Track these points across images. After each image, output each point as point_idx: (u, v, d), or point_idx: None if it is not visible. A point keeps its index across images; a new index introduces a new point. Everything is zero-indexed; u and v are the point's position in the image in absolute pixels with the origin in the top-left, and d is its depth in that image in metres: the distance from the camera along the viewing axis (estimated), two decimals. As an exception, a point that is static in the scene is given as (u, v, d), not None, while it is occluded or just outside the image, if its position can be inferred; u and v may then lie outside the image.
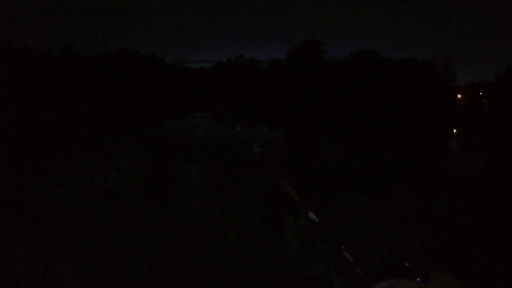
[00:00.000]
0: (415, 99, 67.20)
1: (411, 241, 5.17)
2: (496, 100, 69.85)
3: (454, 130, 37.06)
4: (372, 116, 46.31)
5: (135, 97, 70.21)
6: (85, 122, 28.82)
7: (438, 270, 1.61)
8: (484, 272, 5.74)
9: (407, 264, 1.67)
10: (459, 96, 78.63)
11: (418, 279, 1.52)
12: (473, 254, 6.23)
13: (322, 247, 4.59)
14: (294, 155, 18.28)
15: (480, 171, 16.16)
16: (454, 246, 6.16)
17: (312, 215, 2.25)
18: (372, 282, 1.71)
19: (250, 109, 51.19)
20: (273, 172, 2.54)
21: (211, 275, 4.58)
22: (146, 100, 63.77)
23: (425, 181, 12.59)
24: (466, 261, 5.91)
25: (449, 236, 6.44)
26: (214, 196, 6.01)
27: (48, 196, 5.58)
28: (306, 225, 4.86)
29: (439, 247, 5.52)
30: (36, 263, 4.34)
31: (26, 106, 35.81)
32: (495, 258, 6.25)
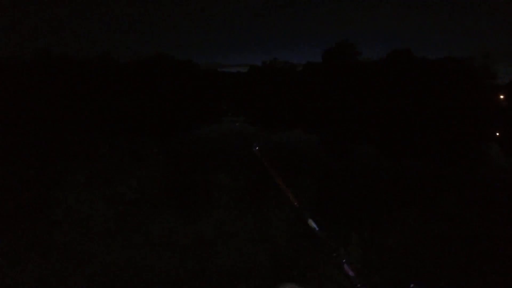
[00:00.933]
0: (453, 99, 65.14)
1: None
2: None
3: (497, 133, 35.35)
4: (408, 118, 45.21)
5: (170, 101, 70.83)
6: (116, 127, 29.03)
7: None
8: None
9: (412, 285, 1.67)
10: (500, 96, 74.72)
11: None
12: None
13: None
14: (329, 159, 17.71)
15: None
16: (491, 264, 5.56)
17: (312, 223, 2.20)
18: None
19: (286, 113, 50.87)
20: (273, 176, 2.39)
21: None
22: (181, 104, 64.20)
23: (464, 188, 11.78)
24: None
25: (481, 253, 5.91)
26: (247, 208, 5.63)
27: (63, 203, 5.35)
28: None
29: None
30: (47, 277, 4.07)
31: (57, 112, 36.42)
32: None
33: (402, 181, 12.53)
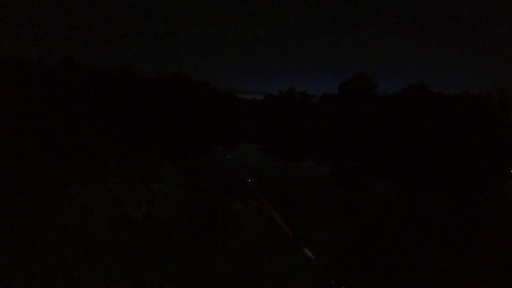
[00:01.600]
0: (470, 135, 64.39)
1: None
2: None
3: None
4: (423, 153, 44.69)
5: (186, 122, 71.20)
6: (130, 141, 28.83)
7: None
8: None
9: None
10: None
11: None
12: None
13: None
14: (342, 192, 17.47)
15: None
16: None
17: (307, 252, 2.59)
18: None
19: (300, 143, 50.54)
20: (267, 207, 2.88)
21: None
22: (197, 125, 64.41)
23: (479, 227, 11.77)
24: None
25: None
26: (269, 247, 5.03)
27: (63, 219, 4.77)
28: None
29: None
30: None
31: (72, 118, 36.28)
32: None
33: (420, 219, 12.24)
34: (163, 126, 55.65)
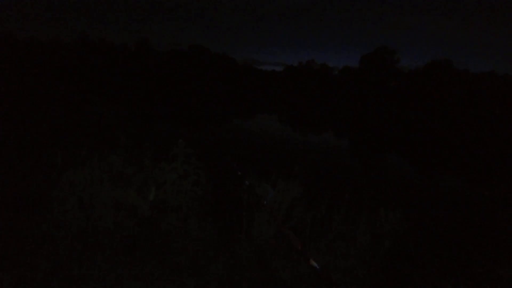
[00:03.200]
0: (492, 117, 62.88)
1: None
2: None
3: None
4: (443, 132, 43.77)
5: (204, 93, 70.84)
6: (145, 114, 28.48)
7: None
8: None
9: None
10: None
11: None
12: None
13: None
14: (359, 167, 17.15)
15: None
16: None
17: (314, 263, 2.24)
18: None
19: (318, 115, 49.89)
20: (278, 222, 2.60)
21: None
22: (213, 97, 63.96)
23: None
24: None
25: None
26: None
27: (59, 209, 4.17)
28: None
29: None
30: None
31: (87, 93, 36.00)
32: None
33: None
34: (180, 97, 55.30)
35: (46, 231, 3.91)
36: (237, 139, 20.17)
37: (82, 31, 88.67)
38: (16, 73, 55.13)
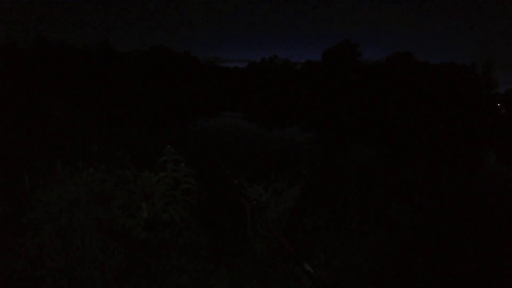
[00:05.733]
0: (452, 106, 64.62)
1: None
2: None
3: (494, 141, 34.85)
4: (406, 122, 44.91)
5: (167, 94, 69.90)
6: (112, 119, 27.58)
7: None
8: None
9: None
10: (499, 104, 74.18)
11: None
12: None
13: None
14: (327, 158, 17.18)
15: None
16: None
17: (307, 267, 2.18)
18: None
19: (283, 110, 50.06)
20: (269, 227, 2.65)
21: None
22: (178, 97, 63.16)
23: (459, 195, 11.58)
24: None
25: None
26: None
27: (32, 240, 3.44)
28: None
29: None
30: None
31: (51, 100, 34.74)
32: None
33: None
34: (145, 100, 54.23)
35: (20, 272, 3.18)
36: (206, 139, 19.64)
37: (41, 36, 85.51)
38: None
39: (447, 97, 66.96)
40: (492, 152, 27.60)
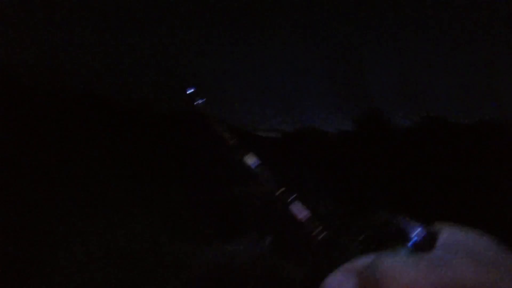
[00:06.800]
0: (491, 168, 62.45)
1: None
2: None
3: None
4: (444, 185, 44.05)
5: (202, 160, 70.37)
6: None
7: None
8: None
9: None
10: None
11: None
12: None
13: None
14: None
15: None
16: None
17: (249, 160, 1.85)
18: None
19: (316, 181, 50.02)
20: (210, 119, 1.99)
21: None
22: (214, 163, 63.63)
23: None
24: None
25: None
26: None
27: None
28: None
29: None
30: None
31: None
32: None
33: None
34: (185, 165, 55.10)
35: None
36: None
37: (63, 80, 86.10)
38: None
39: (484, 157, 65.25)
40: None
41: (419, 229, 0.99)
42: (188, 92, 1.87)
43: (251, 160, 1.84)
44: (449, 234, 0.87)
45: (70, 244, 4.51)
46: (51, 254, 4.45)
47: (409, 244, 0.93)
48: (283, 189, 1.53)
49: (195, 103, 1.91)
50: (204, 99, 1.89)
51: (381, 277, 0.74)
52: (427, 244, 0.87)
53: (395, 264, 0.79)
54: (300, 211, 1.37)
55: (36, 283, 3.84)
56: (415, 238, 0.97)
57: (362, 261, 0.89)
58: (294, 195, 1.44)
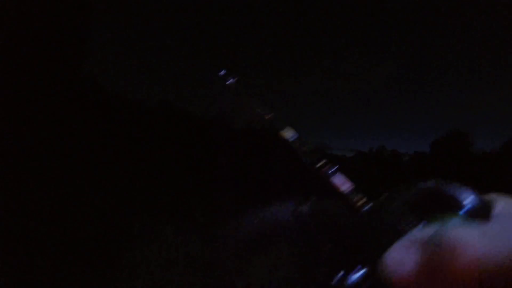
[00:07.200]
0: None
1: None
2: None
3: None
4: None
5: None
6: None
7: None
8: None
9: None
10: None
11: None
12: None
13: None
14: None
15: None
16: None
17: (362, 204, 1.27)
18: None
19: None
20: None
21: None
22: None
23: None
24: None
25: None
26: None
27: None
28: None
29: None
30: None
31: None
32: None
33: None
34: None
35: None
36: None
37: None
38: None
39: None
40: None
41: (472, 196, 0.91)
42: (220, 74, 1.79)
43: (290, 134, 1.81)
44: (506, 204, 0.78)
45: (143, 246, 4.63)
46: (123, 256, 4.57)
47: (461, 212, 0.87)
48: (324, 160, 1.42)
49: (227, 82, 1.84)
50: (236, 78, 1.81)
51: (448, 251, 0.66)
52: (481, 213, 0.78)
53: (462, 235, 0.73)
54: (342, 182, 1.28)
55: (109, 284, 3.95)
56: (468, 206, 0.90)
57: (421, 234, 0.81)
58: (336, 167, 1.36)
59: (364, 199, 1.28)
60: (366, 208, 1.26)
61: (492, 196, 0.87)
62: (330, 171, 1.36)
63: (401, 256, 0.75)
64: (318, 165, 1.41)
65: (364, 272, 1.10)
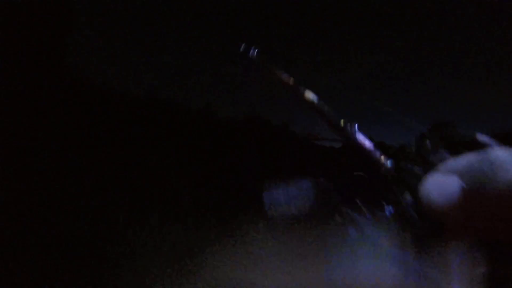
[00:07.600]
0: None
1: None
2: None
3: None
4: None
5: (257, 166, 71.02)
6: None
7: None
8: None
9: None
10: None
11: None
12: None
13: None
14: None
15: None
16: None
17: (310, 95, 1.81)
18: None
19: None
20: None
21: None
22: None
23: None
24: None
25: None
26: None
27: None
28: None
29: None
30: None
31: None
32: None
33: None
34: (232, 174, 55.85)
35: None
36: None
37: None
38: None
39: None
40: None
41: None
42: (241, 50, 1.78)
43: (312, 96, 1.86)
44: None
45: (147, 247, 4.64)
46: (126, 259, 4.55)
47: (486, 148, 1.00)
48: (345, 119, 1.58)
49: (249, 54, 1.83)
50: (257, 49, 1.80)
51: (494, 171, 0.73)
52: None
53: (501, 158, 0.80)
54: (365, 140, 1.46)
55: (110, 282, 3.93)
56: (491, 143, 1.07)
57: (460, 161, 0.88)
58: (357, 124, 1.53)
59: (386, 157, 1.45)
60: (388, 162, 1.44)
61: None
62: (353, 129, 1.51)
63: (443, 180, 0.83)
64: (341, 123, 1.55)
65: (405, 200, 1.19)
